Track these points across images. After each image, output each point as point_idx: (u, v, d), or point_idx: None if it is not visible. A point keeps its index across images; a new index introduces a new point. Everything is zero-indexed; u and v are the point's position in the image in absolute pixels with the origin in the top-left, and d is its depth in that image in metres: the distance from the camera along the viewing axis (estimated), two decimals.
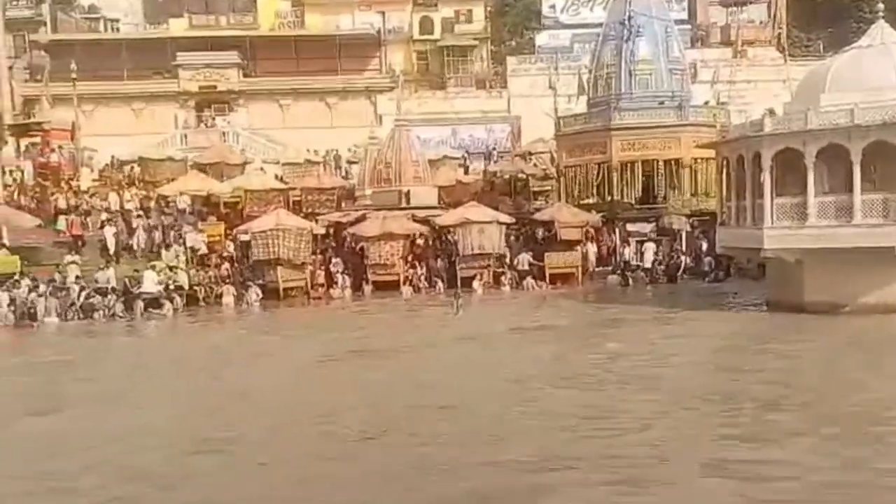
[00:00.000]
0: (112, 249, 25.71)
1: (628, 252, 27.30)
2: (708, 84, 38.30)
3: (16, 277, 22.52)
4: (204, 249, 26.37)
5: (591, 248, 27.57)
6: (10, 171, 30.35)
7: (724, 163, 21.66)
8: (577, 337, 17.97)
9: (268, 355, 16.41)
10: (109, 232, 26.14)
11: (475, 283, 25.62)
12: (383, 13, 49.24)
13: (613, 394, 12.04)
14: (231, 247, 26.84)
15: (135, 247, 26.45)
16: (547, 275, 26.29)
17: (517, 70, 47.11)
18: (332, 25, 48.30)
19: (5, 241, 24.98)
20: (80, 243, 25.66)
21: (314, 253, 26.07)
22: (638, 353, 15.16)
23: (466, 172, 36.99)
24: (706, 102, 32.47)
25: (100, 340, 19.96)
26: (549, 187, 33.40)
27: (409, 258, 26.64)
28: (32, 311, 21.69)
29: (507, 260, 26.82)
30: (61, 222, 27.04)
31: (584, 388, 12.45)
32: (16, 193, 28.93)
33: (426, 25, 50.30)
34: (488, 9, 52.18)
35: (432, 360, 15.60)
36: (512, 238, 27.77)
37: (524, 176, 34.59)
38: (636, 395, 11.79)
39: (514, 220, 28.01)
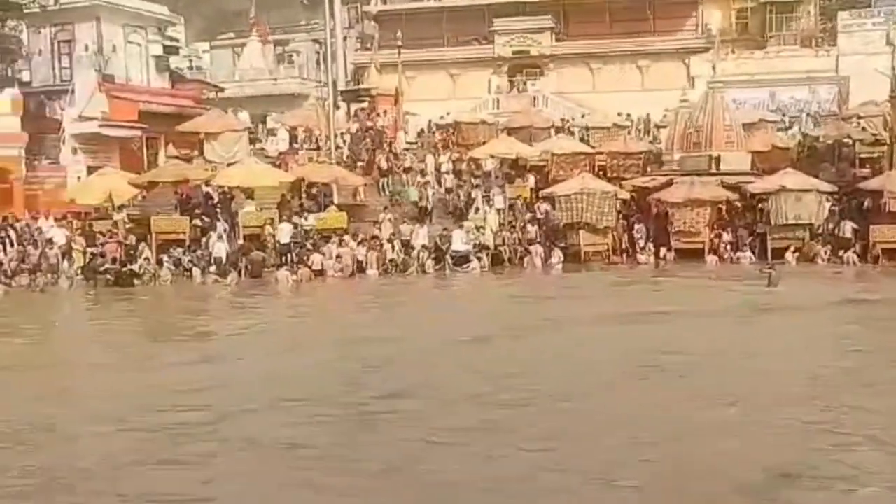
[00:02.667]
0: (428, 209, 27.29)
1: None
2: None
3: (343, 233, 24.70)
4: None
5: None
6: (342, 134, 33.10)
7: None
8: None
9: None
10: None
11: (788, 255, 24.11)
12: None
13: None
14: (539, 209, 27.36)
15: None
16: (876, 249, 24.07)
17: (849, 26, 43.16)
18: None
19: (335, 198, 27.40)
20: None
21: (618, 218, 25.93)
22: None
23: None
24: None
25: (422, 289, 22.13)
26: (880, 154, 30.45)
27: (716, 226, 25.67)
28: (360, 263, 23.70)
29: (825, 230, 24.95)
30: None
31: None
32: (344, 155, 31.52)
33: None
34: None
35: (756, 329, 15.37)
36: (834, 208, 25.77)
37: (850, 141, 31.81)
38: None
39: (835, 189, 25.97)
